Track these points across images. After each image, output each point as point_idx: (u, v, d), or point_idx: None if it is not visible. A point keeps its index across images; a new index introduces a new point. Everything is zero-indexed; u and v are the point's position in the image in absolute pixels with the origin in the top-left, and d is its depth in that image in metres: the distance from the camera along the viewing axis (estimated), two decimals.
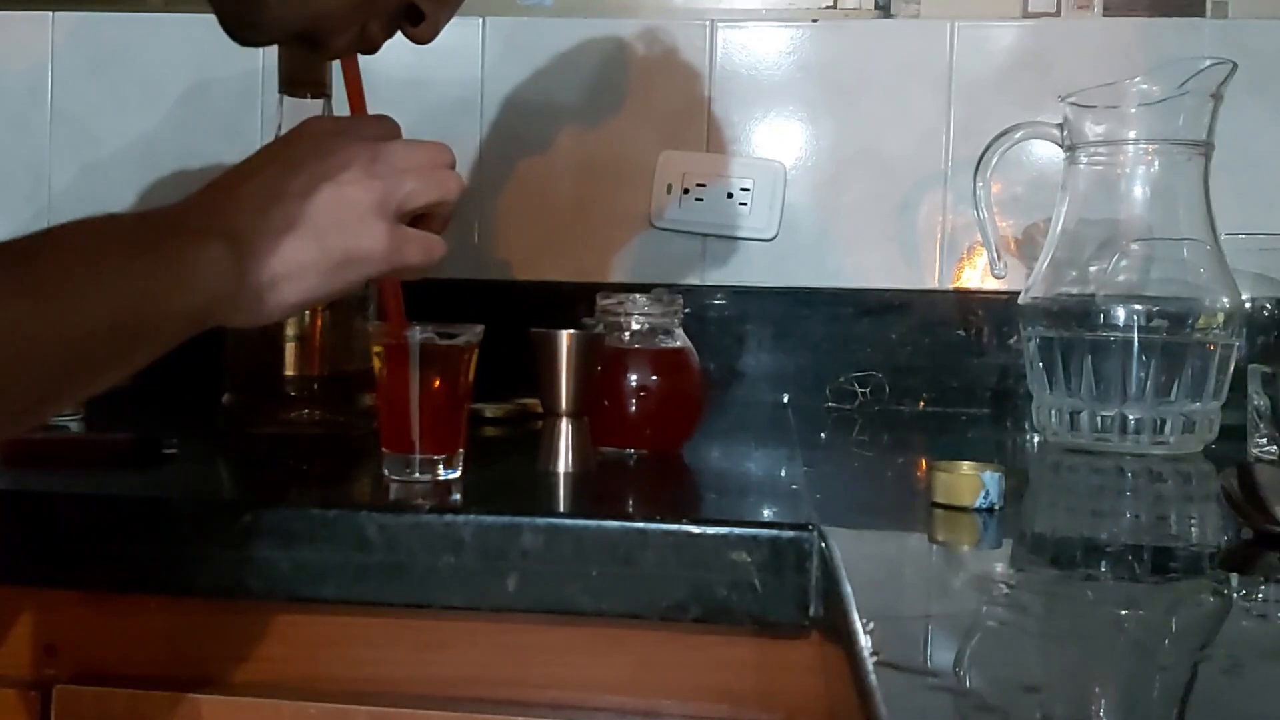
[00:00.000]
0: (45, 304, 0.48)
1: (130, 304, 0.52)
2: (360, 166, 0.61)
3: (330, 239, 0.60)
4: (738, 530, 0.60)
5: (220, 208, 0.58)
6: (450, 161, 0.66)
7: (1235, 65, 0.88)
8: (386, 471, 0.70)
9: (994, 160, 0.98)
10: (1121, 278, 0.90)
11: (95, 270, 0.51)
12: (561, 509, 0.66)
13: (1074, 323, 0.90)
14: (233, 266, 0.56)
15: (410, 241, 0.63)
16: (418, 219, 0.64)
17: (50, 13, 1.27)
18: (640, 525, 0.60)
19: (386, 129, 0.65)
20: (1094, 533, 0.65)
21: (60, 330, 0.48)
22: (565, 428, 0.74)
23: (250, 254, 0.57)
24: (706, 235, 1.21)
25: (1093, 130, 0.92)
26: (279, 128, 0.89)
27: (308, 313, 0.85)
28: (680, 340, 0.84)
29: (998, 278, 1.02)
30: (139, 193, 1.27)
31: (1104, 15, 1.18)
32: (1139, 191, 0.91)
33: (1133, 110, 0.91)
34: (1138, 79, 0.91)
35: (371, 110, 0.69)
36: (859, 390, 1.18)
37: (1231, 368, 0.90)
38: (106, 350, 0.51)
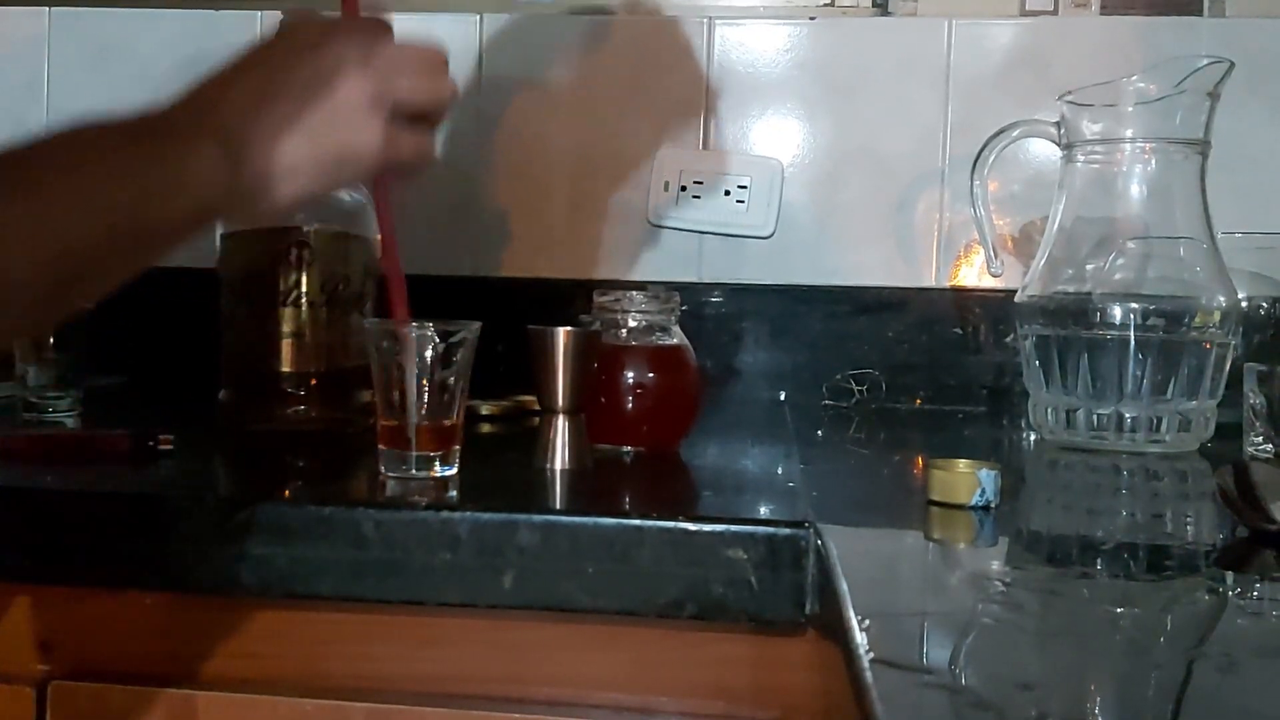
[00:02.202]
0: (38, 206, 0.48)
1: (125, 206, 0.51)
2: (353, 64, 0.60)
3: (323, 136, 0.59)
4: (734, 528, 0.60)
5: (211, 107, 0.57)
6: (444, 63, 0.65)
7: (1232, 64, 0.88)
8: (383, 468, 0.70)
9: (991, 158, 0.98)
10: (1118, 276, 0.90)
11: (88, 173, 0.50)
12: (558, 506, 0.66)
13: (1070, 321, 0.90)
14: (226, 166, 0.55)
15: (403, 140, 0.62)
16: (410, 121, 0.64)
17: (46, 8, 1.27)
18: (637, 522, 0.60)
19: (379, 29, 0.64)
20: (1090, 531, 0.65)
21: (55, 232, 0.48)
22: (562, 425, 0.74)
23: (243, 153, 0.56)
24: (704, 233, 1.21)
25: (1090, 129, 0.92)
26: None
27: (305, 309, 0.85)
28: (677, 338, 0.84)
29: (994, 276, 1.02)
30: None
31: (1101, 14, 1.18)
32: (1136, 190, 0.91)
33: (1130, 109, 0.91)
34: (1135, 77, 0.91)
35: None
36: (856, 388, 1.18)
37: (1228, 366, 0.90)
38: (106, 252, 0.51)
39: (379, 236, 0.71)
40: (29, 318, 0.52)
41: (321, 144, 0.59)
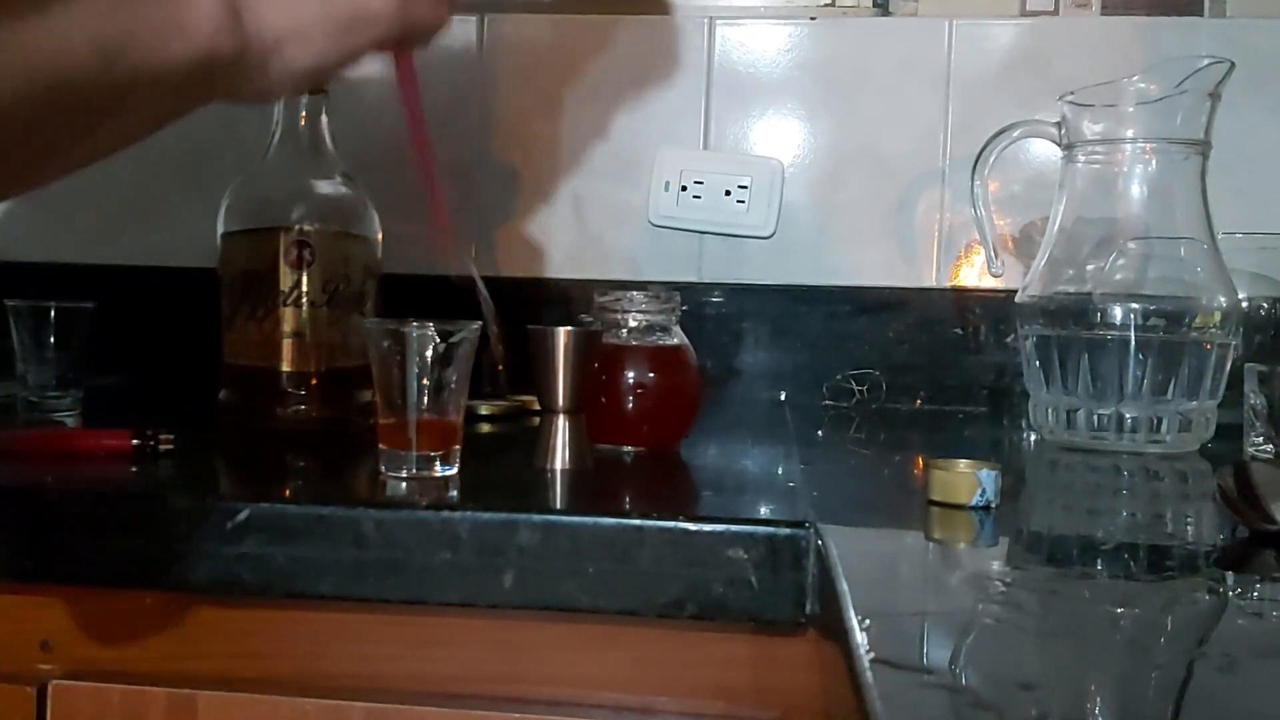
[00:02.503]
0: (22, 26, 0.44)
1: (117, 36, 0.48)
2: None
3: None
4: (734, 528, 0.60)
5: None
6: None
7: (1233, 64, 0.88)
8: (383, 468, 0.70)
9: (992, 158, 0.98)
10: (1119, 276, 0.90)
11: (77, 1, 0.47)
12: (558, 506, 0.66)
13: (1071, 321, 0.90)
14: (230, 21, 0.52)
15: (419, 2, 0.60)
16: None
17: None
18: (637, 522, 0.60)
19: None
20: (1090, 531, 0.65)
21: (47, 58, 0.45)
22: (562, 425, 0.74)
23: (250, 9, 0.54)
24: (704, 233, 1.21)
25: (1090, 129, 0.92)
26: (276, 122, 0.89)
27: (305, 309, 0.85)
28: (677, 338, 0.84)
29: (995, 276, 1.02)
30: (137, 188, 1.27)
31: (1102, 14, 1.18)
32: (1136, 190, 0.91)
33: (1130, 109, 0.91)
34: (1135, 78, 0.91)
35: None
36: (856, 388, 1.18)
37: (1228, 367, 0.90)
38: (101, 92, 0.48)
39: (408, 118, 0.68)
40: (21, 158, 0.48)
41: (334, 2, 0.56)
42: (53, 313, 0.91)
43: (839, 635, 0.45)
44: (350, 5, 0.57)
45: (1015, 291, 0.97)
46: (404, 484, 0.68)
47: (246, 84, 0.55)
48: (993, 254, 1.00)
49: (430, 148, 0.68)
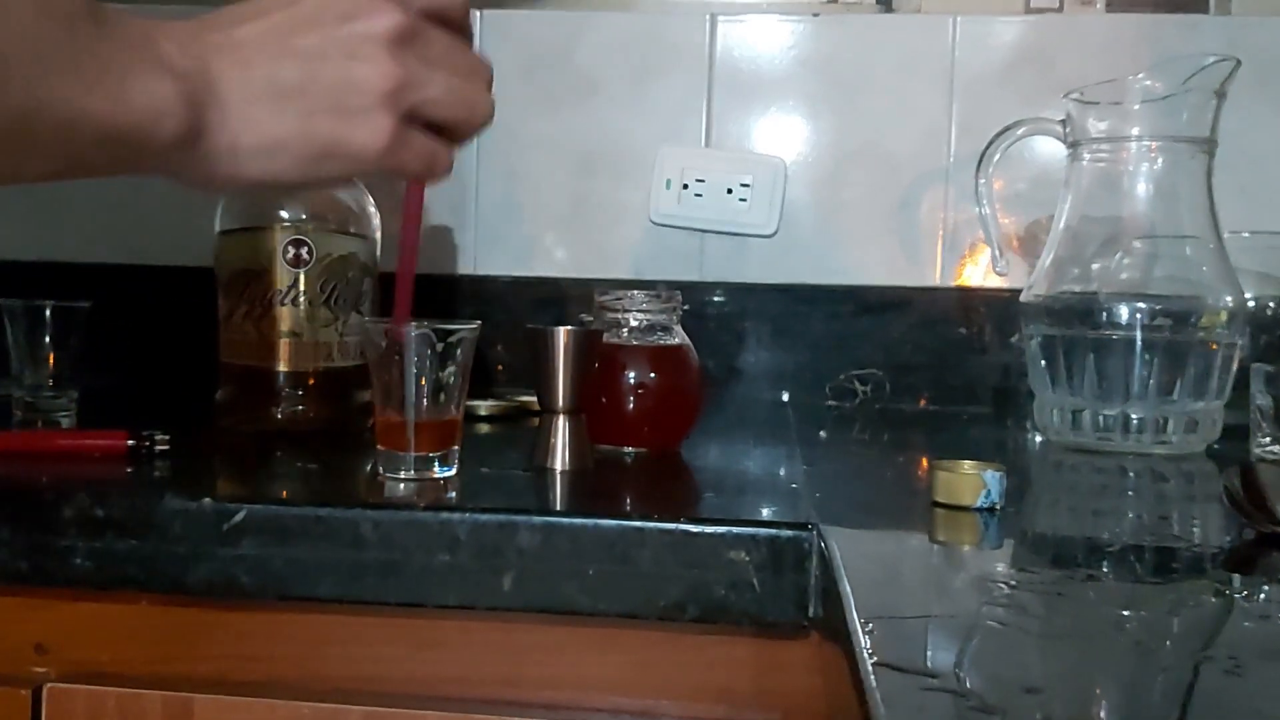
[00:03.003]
0: None
1: (37, 84, 0.44)
2: (384, 44, 0.53)
3: (319, 121, 0.53)
4: (736, 529, 0.59)
5: (202, 43, 0.51)
6: (489, 79, 0.59)
7: (1239, 62, 0.88)
8: (381, 469, 0.69)
9: (996, 156, 0.97)
10: (1124, 276, 0.90)
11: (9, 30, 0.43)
12: (558, 507, 0.66)
13: (1076, 321, 0.89)
14: (184, 113, 0.49)
15: (413, 148, 0.56)
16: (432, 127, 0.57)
17: None
18: (638, 524, 0.60)
19: (445, 5, 0.57)
20: (1096, 533, 0.64)
21: None
22: (562, 425, 0.74)
23: (215, 108, 0.50)
24: (706, 231, 1.20)
25: (1095, 127, 0.92)
26: None
27: (303, 309, 0.84)
28: (679, 337, 0.83)
29: (1000, 275, 1.02)
30: (136, 188, 1.26)
31: (1107, 11, 1.18)
32: (1142, 189, 0.91)
33: (1136, 107, 0.90)
34: (1141, 75, 0.90)
35: None
36: (859, 388, 1.17)
37: (1234, 367, 0.90)
38: (18, 138, 0.45)
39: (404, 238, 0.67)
40: None
41: (314, 129, 0.52)
42: (48, 312, 0.90)
43: (841, 638, 0.44)
44: (333, 136, 0.53)
45: (1020, 291, 0.97)
46: (402, 485, 0.67)
47: (187, 173, 0.52)
48: (997, 253, 1.00)
49: (414, 256, 0.66)
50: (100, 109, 0.46)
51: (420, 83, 0.55)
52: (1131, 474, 0.82)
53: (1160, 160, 0.90)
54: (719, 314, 1.19)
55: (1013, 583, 0.52)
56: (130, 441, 0.75)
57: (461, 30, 0.59)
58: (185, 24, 0.52)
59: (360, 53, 0.53)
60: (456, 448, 0.70)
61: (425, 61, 0.55)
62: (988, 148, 0.97)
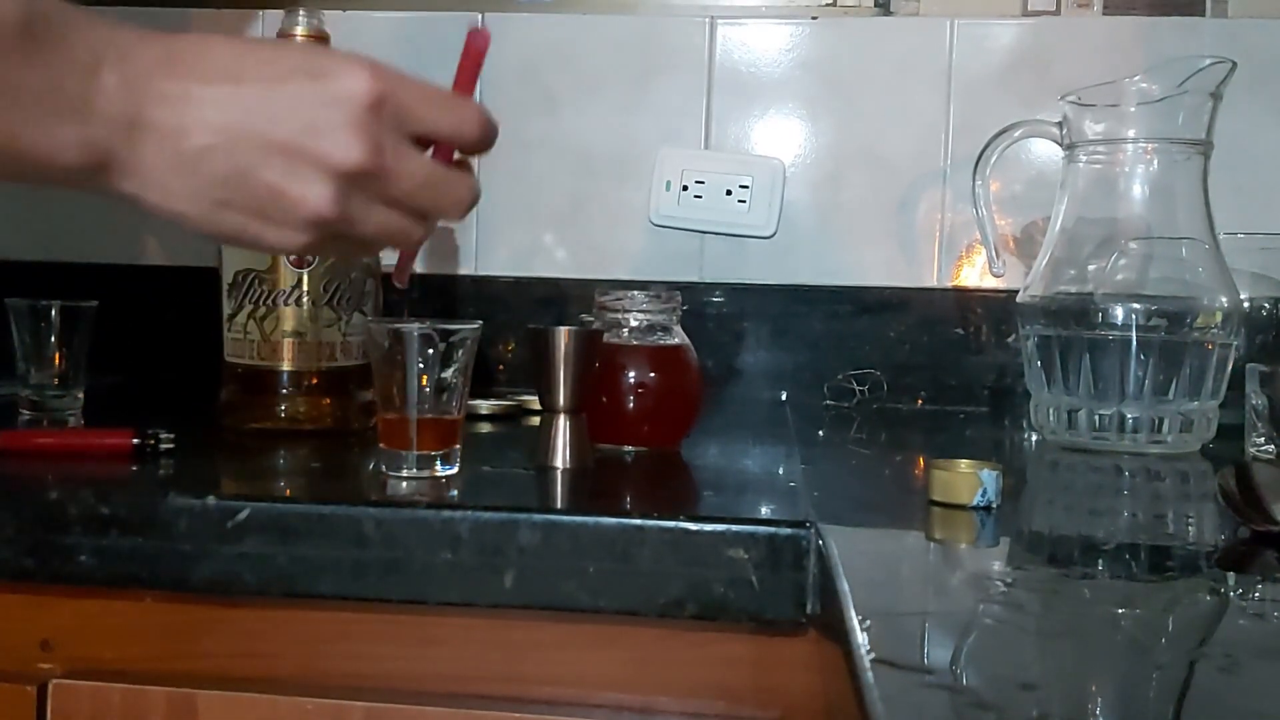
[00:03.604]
0: None
1: None
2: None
3: (232, 215, 0.51)
4: (735, 527, 0.60)
5: (150, 89, 0.49)
6: (464, 199, 0.56)
7: (1234, 64, 0.88)
8: (384, 467, 0.70)
9: (993, 158, 0.98)
10: (1120, 276, 0.90)
11: None
12: (559, 506, 0.66)
13: (1072, 321, 0.90)
14: (81, 158, 0.48)
15: (353, 239, 0.54)
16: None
17: None
18: (638, 522, 0.60)
19: (455, 122, 0.54)
20: (1091, 531, 0.65)
21: None
22: (563, 424, 0.74)
23: (127, 164, 0.49)
24: (705, 232, 1.21)
25: (1092, 129, 0.92)
26: None
27: (306, 308, 0.85)
28: (678, 337, 0.84)
29: (996, 276, 1.02)
30: None
31: (1104, 14, 1.18)
32: (1138, 190, 0.91)
33: (1132, 109, 0.90)
34: (1137, 78, 0.91)
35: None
36: (857, 388, 1.18)
37: (1229, 367, 0.90)
38: None
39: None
40: None
41: (225, 217, 0.51)
42: (54, 312, 0.90)
43: (840, 635, 0.45)
44: (239, 231, 0.52)
45: (1017, 291, 0.97)
46: (404, 483, 0.68)
47: (102, 194, 0.51)
48: (994, 254, 1.00)
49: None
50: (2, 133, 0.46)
51: (358, 216, 0.53)
52: (1127, 473, 0.82)
53: (1156, 162, 0.91)
54: (718, 314, 1.19)
55: (1009, 581, 0.53)
56: (135, 440, 0.75)
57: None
58: (152, 52, 0.50)
59: (304, 172, 0.50)
60: (458, 447, 0.70)
61: (381, 189, 0.53)
62: (985, 149, 0.98)
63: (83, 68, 0.48)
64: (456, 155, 0.58)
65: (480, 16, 1.22)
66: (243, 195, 0.51)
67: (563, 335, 0.73)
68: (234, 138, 0.50)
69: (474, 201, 0.57)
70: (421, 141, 0.55)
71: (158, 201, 0.51)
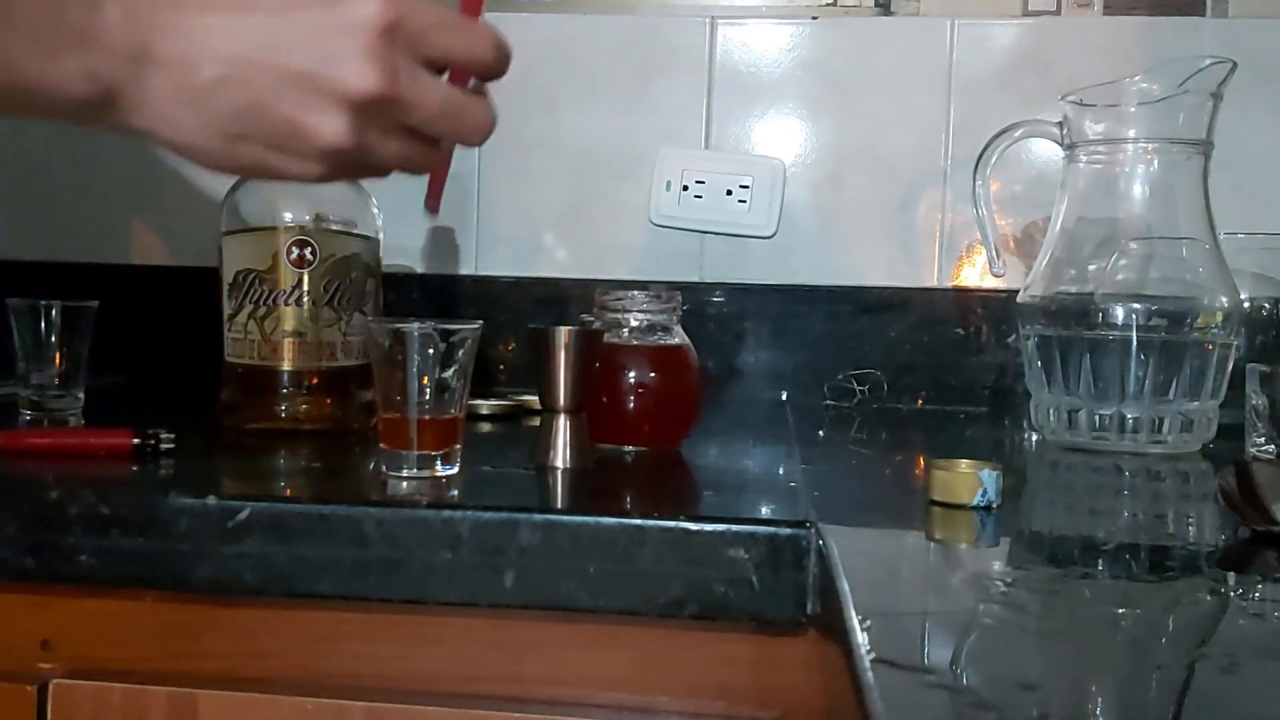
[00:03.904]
0: None
1: None
2: (350, 91, 0.49)
3: (247, 147, 0.50)
4: (735, 527, 0.60)
5: (156, 19, 0.47)
6: (482, 125, 0.55)
7: (1235, 64, 0.88)
8: (384, 467, 0.70)
9: (993, 158, 0.98)
10: (1120, 276, 0.90)
11: None
12: (559, 505, 0.66)
13: (1073, 321, 0.90)
14: (88, 91, 0.47)
15: (373, 161, 0.53)
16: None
17: None
18: (638, 522, 0.60)
19: (469, 46, 0.53)
20: (1091, 531, 0.65)
21: None
22: (563, 424, 0.74)
23: (135, 97, 0.48)
24: (705, 232, 1.21)
25: (1092, 129, 0.92)
26: None
27: (307, 307, 0.85)
28: (679, 337, 0.84)
29: (997, 276, 1.02)
30: (138, 189, 1.27)
31: (1104, 14, 1.18)
32: (1138, 190, 0.91)
33: (1132, 109, 0.90)
34: (1137, 78, 0.91)
35: None
36: (857, 388, 1.18)
37: (1230, 367, 0.90)
38: None
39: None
40: None
41: (240, 150, 0.50)
42: (54, 312, 0.91)
43: (840, 635, 0.45)
44: (257, 163, 0.51)
45: (1017, 291, 0.97)
46: (405, 483, 0.68)
47: (108, 126, 0.50)
48: (994, 254, 1.00)
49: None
50: (2, 67, 0.46)
51: (374, 148, 0.52)
52: (1127, 473, 0.82)
53: (1156, 162, 0.91)
54: (719, 314, 1.19)
55: (1009, 580, 0.53)
56: (135, 440, 0.75)
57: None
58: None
59: (318, 103, 0.49)
60: (458, 446, 0.70)
61: (393, 115, 0.52)
62: (985, 150, 0.98)
63: (84, 2, 0.47)
64: (471, 82, 0.56)
65: (480, 16, 1.22)
66: (258, 127, 0.50)
67: (563, 335, 0.73)
68: (245, 69, 0.49)
69: (492, 127, 0.56)
70: (436, 66, 0.54)
71: (170, 136, 0.50)
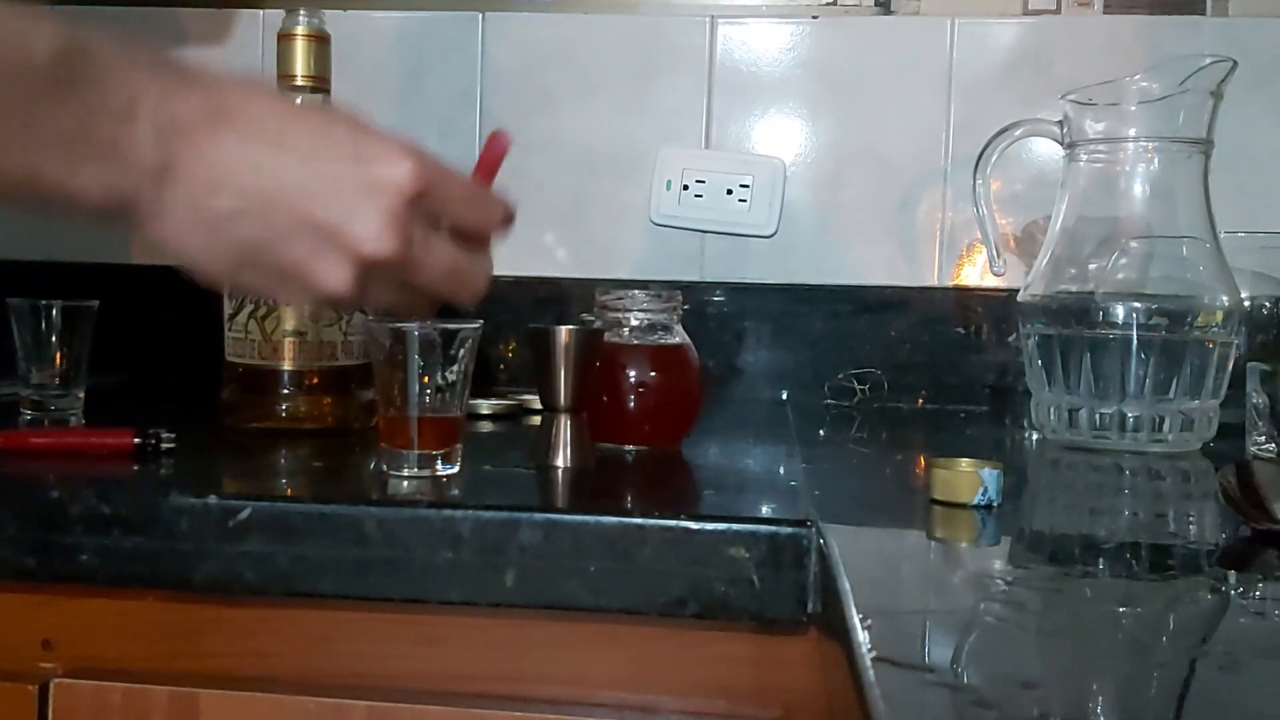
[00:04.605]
0: None
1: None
2: (364, 252, 0.50)
3: (251, 276, 0.52)
4: (736, 526, 0.60)
5: (187, 137, 0.47)
6: (478, 286, 0.58)
7: (1235, 63, 0.88)
8: (385, 466, 0.70)
9: (994, 157, 0.98)
10: (1121, 275, 0.90)
11: None
12: (560, 505, 0.66)
13: (1073, 320, 0.90)
14: (106, 201, 0.48)
15: (345, 309, 0.57)
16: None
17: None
18: (638, 521, 0.60)
19: (483, 217, 0.57)
20: (1092, 530, 0.65)
21: None
22: (564, 423, 0.74)
23: (151, 210, 0.48)
24: (706, 232, 1.21)
25: (1093, 128, 0.92)
26: None
27: (307, 307, 0.85)
28: (679, 337, 0.84)
29: (997, 275, 1.02)
30: None
31: (1104, 13, 1.18)
32: (1139, 189, 0.91)
33: (1133, 108, 0.90)
34: (1138, 76, 0.91)
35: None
36: (858, 387, 1.18)
37: (1230, 366, 0.90)
38: None
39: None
40: None
41: (244, 276, 0.50)
42: (54, 312, 0.91)
43: (841, 634, 0.45)
44: (260, 288, 0.53)
45: (1017, 290, 0.97)
46: (405, 482, 0.68)
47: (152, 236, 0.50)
48: (995, 253, 1.00)
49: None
50: (22, 169, 0.46)
51: (371, 298, 0.54)
52: (1128, 472, 0.82)
53: (1157, 161, 0.91)
54: (719, 314, 1.19)
55: (1010, 579, 0.53)
56: (136, 440, 0.75)
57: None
58: (194, 102, 0.48)
59: (330, 254, 0.50)
60: (459, 446, 0.70)
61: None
62: (985, 149, 0.98)
63: (117, 114, 0.47)
64: None
65: (481, 16, 1.22)
66: (264, 262, 0.51)
67: (563, 334, 0.73)
68: (264, 206, 0.49)
69: (486, 288, 0.58)
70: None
71: (178, 250, 0.50)
